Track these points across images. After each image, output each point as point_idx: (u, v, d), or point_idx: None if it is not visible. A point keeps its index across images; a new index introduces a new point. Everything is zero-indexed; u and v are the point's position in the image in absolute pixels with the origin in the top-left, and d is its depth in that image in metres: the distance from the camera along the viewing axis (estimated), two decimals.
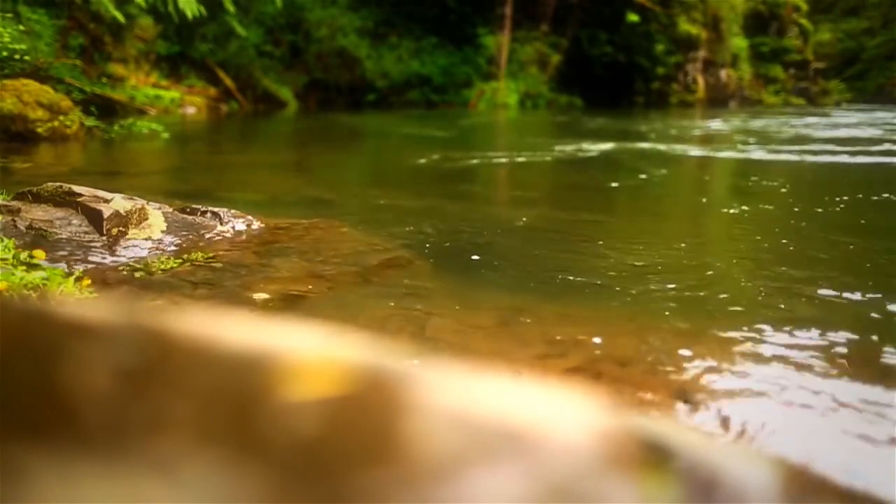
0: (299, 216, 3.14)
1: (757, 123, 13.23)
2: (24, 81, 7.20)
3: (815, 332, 1.82)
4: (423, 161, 6.65)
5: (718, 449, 0.26)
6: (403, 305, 1.99)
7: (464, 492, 0.21)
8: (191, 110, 15.02)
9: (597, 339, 1.72)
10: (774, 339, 1.76)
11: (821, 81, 31.67)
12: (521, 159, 7.01)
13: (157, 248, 2.47)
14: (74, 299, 1.65)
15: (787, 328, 1.85)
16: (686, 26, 25.33)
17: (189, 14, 12.34)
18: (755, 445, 1.24)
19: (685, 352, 1.66)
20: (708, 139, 9.81)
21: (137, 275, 2.16)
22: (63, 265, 2.14)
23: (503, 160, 6.96)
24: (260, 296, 2.04)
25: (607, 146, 8.03)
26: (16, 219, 2.37)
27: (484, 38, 22.72)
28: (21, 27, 8.55)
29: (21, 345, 0.24)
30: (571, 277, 2.36)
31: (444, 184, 5.18)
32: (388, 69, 21.54)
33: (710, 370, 1.56)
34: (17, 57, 7.78)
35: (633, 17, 23.99)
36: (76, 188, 2.61)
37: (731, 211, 4.01)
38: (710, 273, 2.45)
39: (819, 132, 10.27)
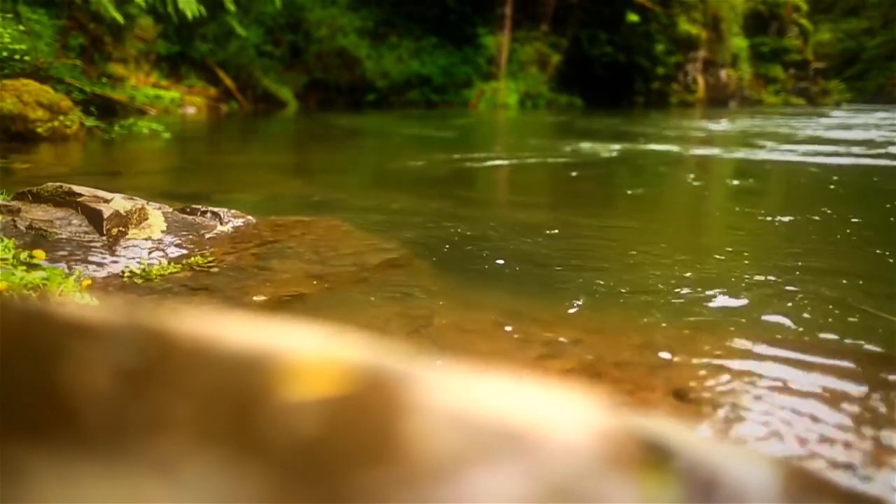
0: (300, 215, 3.15)
1: (762, 124, 13.23)
2: (24, 81, 7.21)
3: (816, 333, 1.82)
4: (423, 162, 6.65)
5: (718, 449, 0.26)
6: (403, 306, 1.99)
7: (464, 492, 0.21)
8: (191, 110, 15.03)
9: (596, 340, 1.72)
10: (775, 340, 1.76)
11: (821, 81, 31.68)
12: (521, 160, 7.01)
13: (157, 248, 2.47)
14: (74, 301, 1.65)
15: (787, 329, 1.85)
16: (686, 26, 25.34)
17: (189, 14, 12.34)
18: (755, 445, 1.24)
19: (685, 352, 1.66)
20: (711, 140, 9.81)
21: (138, 281, 2.16)
22: (63, 265, 2.14)
23: (504, 161, 6.96)
24: (260, 296, 2.04)
25: (608, 147, 8.03)
26: (16, 219, 2.37)
27: (484, 38, 22.72)
28: (21, 27, 8.55)
29: (21, 345, 0.24)
30: (571, 278, 2.36)
31: (444, 184, 5.18)
32: (388, 69, 21.55)
33: (710, 371, 1.56)
34: (17, 57, 7.78)
35: (633, 17, 24.00)
36: (76, 188, 2.61)
37: (733, 212, 4.01)
38: (710, 274, 2.45)
39: (830, 133, 10.11)
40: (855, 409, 1.36)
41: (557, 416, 0.25)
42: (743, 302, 2.08)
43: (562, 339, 1.73)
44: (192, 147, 8.55)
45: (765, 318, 1.94)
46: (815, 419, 1.34)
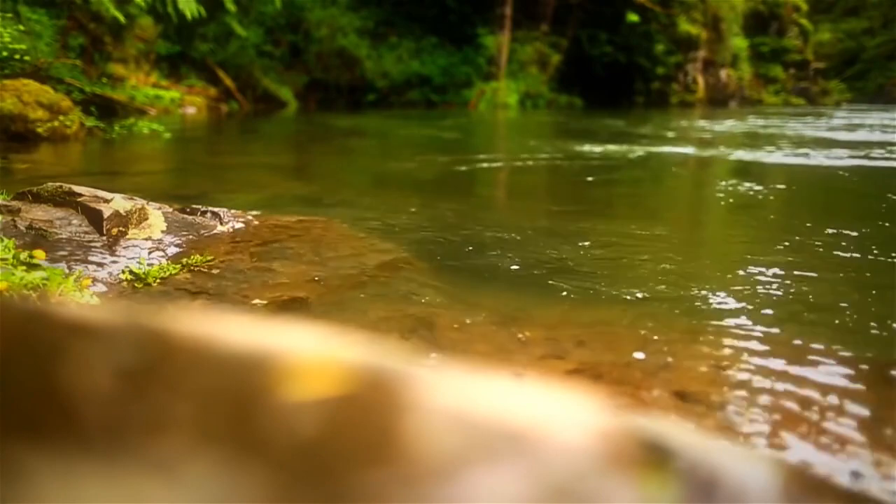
0: (300, 216, 3.14)
1: (768, 124, 13.22)
2: (24, 81, 7.20)
3: (816, 334, 1.82)
4: (422, 163, 6.65)
5: (718, 449, 0.26)
6: (403, 307, 1.99)
7: (464, 492, 0.21)
8: (191, 110, 15.03)
9: (597, 341, 1.72)
10: (775, 341, 1.76)
11: (821, 81, 31.68)
12: (521, 161, 7.01)
13: (157, 248, 2.47)
14: (74, 301, 1.65)
15: (788, 330, 1.85)
16: (686, 26, 25.34)
17: (189, 14, 12.34)
18: (755, 446, 1.24)
19: (686, 353, 1.66)
20: (720, 141, 9.80)
21: (143, 280, 2.16)
22: (63, 265, 2.14)
23: (504, 162, 6.96)
24: (260, 297, 2.04)
25: (609, 148, 8.03)
26: (16, 219, 2.37)
27: (484, 38, 22.72)
28: (21, 27, 8.55)
29: (21, 345, 0.24)
30: (572, 279, 2.36)
31: (444, 185, 5.18)
32: (388, 69, 21.55)
33: (710, 372, 1.56)
34: (17, 57, 7.78)
35: (633, 17, 23.99)
36: (76, 188, 2.61)
37: (736, 213, 4.01)
38: (711, 275, 2.45)
39: (840, 135, 9.92)
40: (856, 410, 1.36)
41: (557, 416, 0.25)
42: (746, 304, 2.08)
43: (562, 340, 1.73)
44: (192, 147, 8.55)
45: (767, 320, 1.94)
46: (815, 420, 1.34)
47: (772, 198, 4.34)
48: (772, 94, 29.47)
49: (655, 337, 1.76)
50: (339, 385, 0.24)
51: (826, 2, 35.52)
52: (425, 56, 22.37)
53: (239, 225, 2.83)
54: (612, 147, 7.92)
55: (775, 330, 1.84)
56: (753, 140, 9.23)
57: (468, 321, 1.87)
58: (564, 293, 2.20)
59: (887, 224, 3.43)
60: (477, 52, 22.64)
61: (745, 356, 1.65)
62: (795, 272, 2.44)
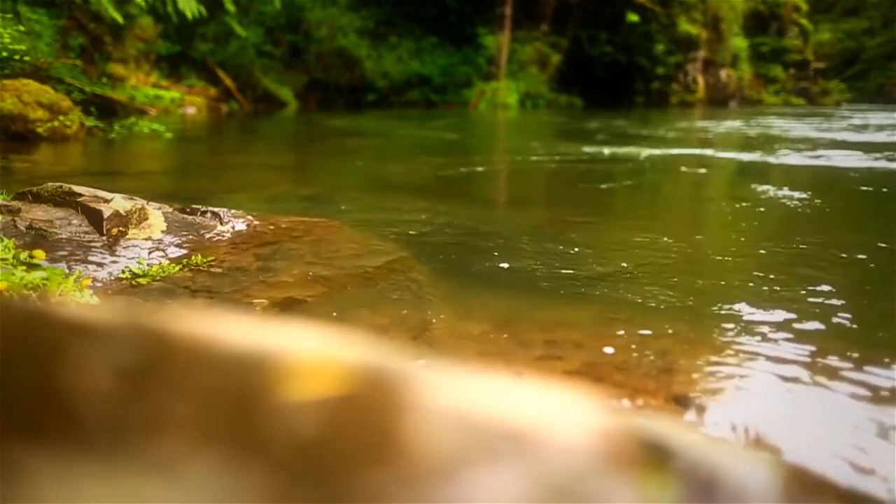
0: (300, 216, 3.14)
1: (772, 125, 13.22)
2: (24, 81, 7.21)
3: (816, 336, 1.82)
4: (422, 163, 6.65)
5: (718, 449, 0.26)
6: (404, 308, 1.99)
7: (464, 492, 0.21)
8: (191, 110, 15.03)
9: (596, 343, 1.72)
10: (775, 343, 1.76)
11: (821, 81, 31.68)
12: (522, 162, 7.01)
13: (157, 248, 2.47)
14: (74, 301, 1.65)
15: (788, 332, 1.85)
16: (686, 26, 25.34)
17: (189, 14, 12.34)
18: (755, 446, 1.24)
19: (685, 355, 1.66)
20: (729, 142, 9.78)
21: (143, 280, 2.16)
22: (63, 265, 2.14)
23: (504, 163, 6.96)
24: (260, 297, 2.04)
25: (610, 149, 8.03)
26: (16, 219, 2.37)
27: (484, 38, 22.72)
28: (21, 27, 8.54)
29: (21, 345, 0.24)
30: (572, 281, 2.36)
31: (444, 186, 5.18)
32: (388, 69, 21.55)
33: (709, 373, 1.56)
34: (17, 57, 7.78)
35: (633, 17, 23.99)
36: (76, 188, 2.61)
37: (735, 215, 4.01)
38: (711, 277, 2.45)
39: (849, 136, 9.77)
40: (856, 411, 1.36)
41: (557, 416, 0.25)
42: (746, 305, 2.08)
43: (562, 342, 1.73)
44: (192, 147, 8.55)
45: (767, 323, 1.93)
46: (815, 419, 1.34)
47: (774, 199, 4.34)
48: (772, 95, 29.47)
49: (655, 340, 1.76)
50: (339, 385, 0.24)
51: (826, 2, 35.51)
52: (425, 56, 22.37)
53: (239, 225, 2.83)
54: (612, 148, 7.92)
55: (778, 332, 1.84)
56: (763, 141, 9.22)
57: (468, 323, 1.87)
58: (564, 296, 2.20)
59: None
60: (477, 52, 22.64)
61: (747, 360, 1.65)
62: (800, 275, 2.43)
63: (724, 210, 4.12)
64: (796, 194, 4.34)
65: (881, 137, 9.44)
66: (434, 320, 1.87)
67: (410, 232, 3.10)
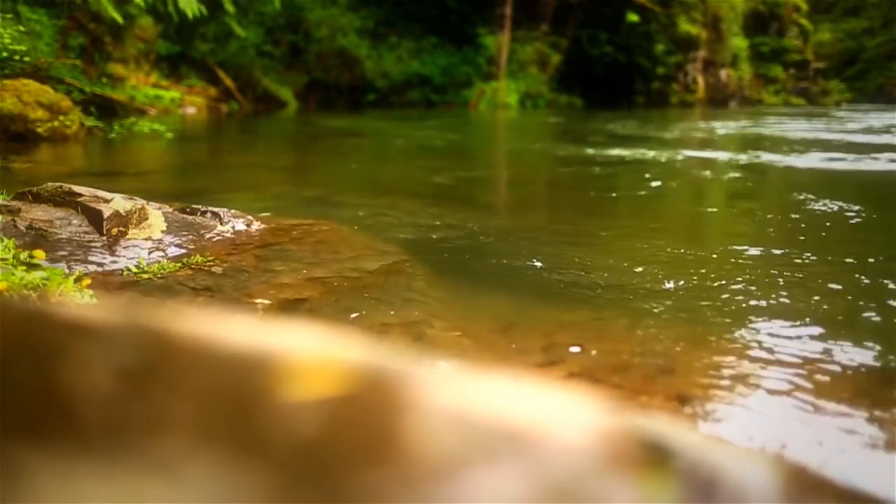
0: (300, 218, 3.14)
1: (774, 125, 13.21)
2: (24, 81, 7.20)
3: (815, 337, 1.82)
4: (422, 165, 6.65)
5: (718, 449, 0.26)
6: (403, 311, 1.99)
7: (464, 492, 0.21)
8: (191, 110, 15.02)
9: (596, 346, 1.72)
10: (774, 344, 1.76)
11: (821, 81, 31.66)
12: (522, 164, 7.01)
13: (157, 248, 2.47)
14: (74, 301, 1.65)
15: (787, 333, 1.84)
16: (686, 26, 25.33)
17: (189, 14, 12.34)
18: (755, 446, 1.24)
19: (684, 357, 1.66)
20: (733, 144, 9.77)
21: (143, 279, 2.16)
22: (63, 265, 2.14)
23: (504, 164, 6.96)
24: (260, 298, 2.04)
25: (611, 151, 8.03)
26: (16, 219, 2.37)
27: (484, 38, 22.71)
28: (21, 27, 8.54)
29: (21, 345, 0.24)
30: (571, 284, 2.36)
31: (444, 188, 5.18)
32: (388, 69, 21.53)
33: (709, 375, 1.56)
34: (17, 57, 7.77)
35: (633, 17, 23.98)
36: (76, 188, 2.61)
37: (734, 215, 4.01)
38: (709, 279, 2.45)
39: (853, 137, 9.69)
40: (856, 411, 1.36)
41: (557, 416, 0.25)
42: (744, 307, 2.08)
43: (561, 344, 1.73)
44: (192, 147, 8.55)
45: (766, 323, 1.93)
46: (815, 420, 1.34)
47: (769, 199, 4.34)
48: (772, 95, 29.46)
49: (654, 342, 1.76)
50: (339, 385, 0.24)
51: (826, 2, 35.51)
52: (425, 56, 22.35)
53: (239, 225, 2.83)
54: (612, 150, 7.91)
55: (777, 334, 1.84)
56: (768, 142, 9.20)
57: (468, 326, 1.87)
58: (564, 298, 2.20)
59: None
60: (477, 52, 22.63)
61: (746, 361, 1.65)
62: (799, 276, 2.43)
63: (724, 213, 4.12)
64: (799, 196, 4.34)
65: (886, 139, 9.40)
66: (433, 322, 1.87)
67: (410, 234, 3.10)
